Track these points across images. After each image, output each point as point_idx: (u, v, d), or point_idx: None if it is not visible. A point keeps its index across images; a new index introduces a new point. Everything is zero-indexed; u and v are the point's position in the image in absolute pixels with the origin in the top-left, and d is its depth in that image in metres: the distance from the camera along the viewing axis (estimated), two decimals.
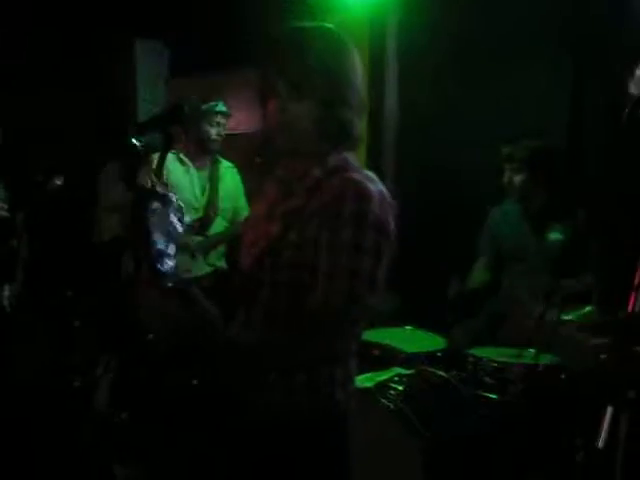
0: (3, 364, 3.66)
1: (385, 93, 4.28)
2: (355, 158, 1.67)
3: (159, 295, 1.52)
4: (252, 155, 3.69)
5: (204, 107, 3.65)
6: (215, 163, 3.82)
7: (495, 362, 3.09)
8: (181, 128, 3.34)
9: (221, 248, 3.84)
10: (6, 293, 3.82)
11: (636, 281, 1.28)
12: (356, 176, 1.55)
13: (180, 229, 1.55)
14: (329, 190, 1.54)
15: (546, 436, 2.91)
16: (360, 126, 1.66)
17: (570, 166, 3.68)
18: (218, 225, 3.80)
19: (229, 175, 3.88)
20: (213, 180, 3.78)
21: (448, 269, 3.88)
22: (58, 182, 3.89)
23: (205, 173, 3.79)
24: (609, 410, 1.27)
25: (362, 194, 1.51)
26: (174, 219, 1.55)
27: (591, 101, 3.69)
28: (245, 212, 3.71)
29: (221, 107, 3.73)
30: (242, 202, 3.88)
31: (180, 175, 3.72)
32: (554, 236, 3.49)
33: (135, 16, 4.64)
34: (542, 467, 2.89)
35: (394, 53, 4.27)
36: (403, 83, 4.30)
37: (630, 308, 1.29)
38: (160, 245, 1.50)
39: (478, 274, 3.71)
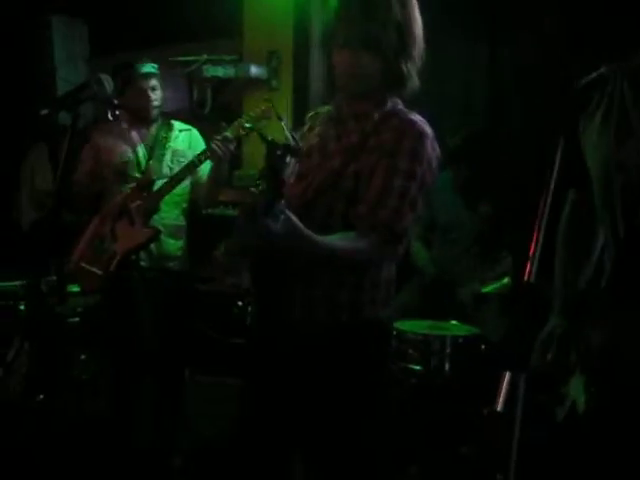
0: None
1: (310, 74, 4.26)
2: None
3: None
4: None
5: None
6: (161, 127, 3.45)
7: (419, 334, 3.17)
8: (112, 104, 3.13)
9: (183, 204, 3.43)
10: None
11: (530, 252, 1.34)
12: (413, 117, 1.78)
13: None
14: (389, 129, 1.76)
15: (467, 404, 3.02)
16: (416, 76, 1.82)
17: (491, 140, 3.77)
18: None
19: (181, 138, 3.47)
20: (157, 144, 3.40)
21: None
22: None
23: (147, 143, 3.41)
24: (507, 375, 1.33)
25: (420, 133, 1.75)
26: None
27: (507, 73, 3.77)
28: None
29: (144, 68, 3.31)
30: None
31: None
32: (484, 209, 3.60)
33: None
34: (465, 435, 2.99)
35: (318, 34, 4.24)
36: (329, 64, 4.27)
37: (526, 277, 1.36)
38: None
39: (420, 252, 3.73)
